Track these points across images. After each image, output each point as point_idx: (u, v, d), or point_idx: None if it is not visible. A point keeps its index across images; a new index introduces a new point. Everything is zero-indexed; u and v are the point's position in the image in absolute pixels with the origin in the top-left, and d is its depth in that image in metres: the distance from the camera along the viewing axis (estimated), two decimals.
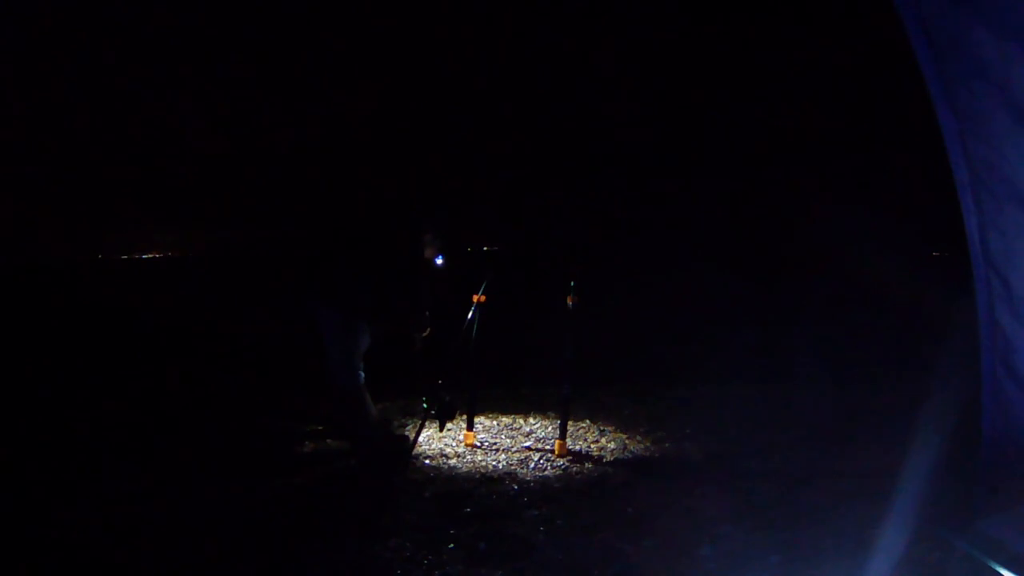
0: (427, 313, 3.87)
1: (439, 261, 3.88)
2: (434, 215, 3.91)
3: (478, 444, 4.00)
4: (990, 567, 2.00)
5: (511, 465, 3.65)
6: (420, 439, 3.94)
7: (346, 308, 3.59)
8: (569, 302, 3.97)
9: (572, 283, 3.97)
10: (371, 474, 3.55)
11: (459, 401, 4.02)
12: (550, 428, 4.29)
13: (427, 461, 3.72)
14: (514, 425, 4.41)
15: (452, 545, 2.69)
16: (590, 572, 2.47)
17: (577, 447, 3.95)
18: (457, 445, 3.98)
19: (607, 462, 3.70)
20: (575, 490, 3.30)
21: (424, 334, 3.92)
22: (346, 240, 3.92)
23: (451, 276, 3.98)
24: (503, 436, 4.18)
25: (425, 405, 3.95)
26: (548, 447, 3.94)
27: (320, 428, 4.28)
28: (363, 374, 3.68)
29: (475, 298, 4.07)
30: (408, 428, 4.26)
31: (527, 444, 4.03)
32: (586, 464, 3.68)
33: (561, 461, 3.71)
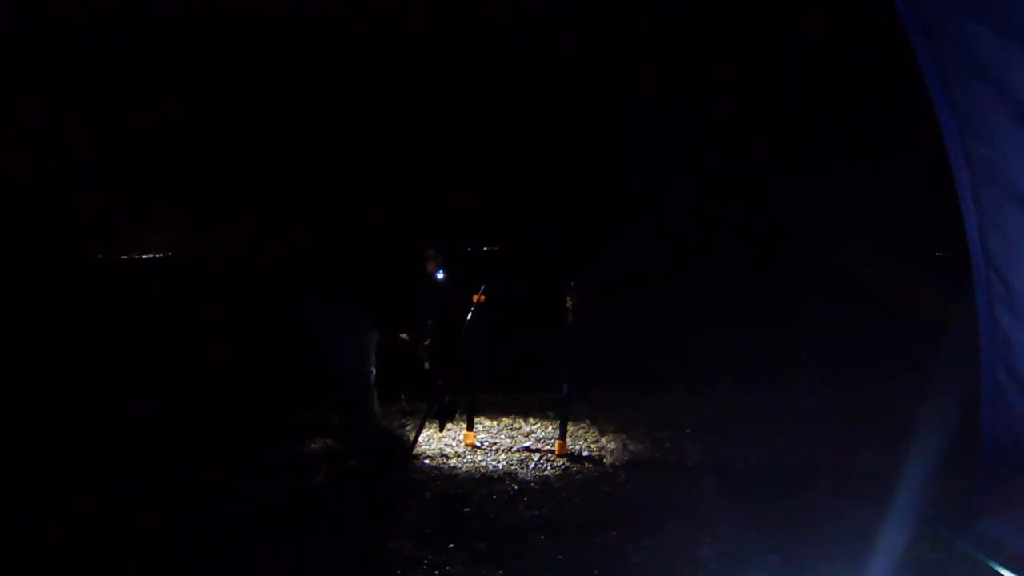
0: (429, 322, 3.89)
1: (440, 276, 3.90)
2: (436, 229, 3.95)
3: (478, 444, 3.99)
4: (990, 567, 2.00)
5: (511, 465, 3.65)
6: (420, 439, 3.94)
7: (350, 309, 3.60)
8: (569, 303, 3.97)
9: (572, 283, 3.98)
10: (371, 473, 3.55)
11: (459, 401, 4.03)
12: (550, 428, 4.29)
13: (427, 461, 3.72)
14: (514, 425, 4.41)
15: (452, 545, 2.69)
16: (590, 572, 2.47)
17: (577, 447, 3.95)
18: (457, 445, 3.98)
19: (607, 462, 3.70)
20: (575, 490, 3.30)
21: (425, 343, 3.93)
22: (350, 244, 3.94)
23: (452, 289, 4.00)
24: (503, 436, 4.18)
25: (405, 407, 4.26)
26: (548, 447, 3.94)
27: (320, 428, 4.28)
28: (375, 371, 3.70)
29: (475, 298, 4.08)
30: (408, 428, 4.26)
31: (527, 444, 4.03)
32: (586, 464, 3.68)
33: (561, 461, 3.71)
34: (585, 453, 3.86)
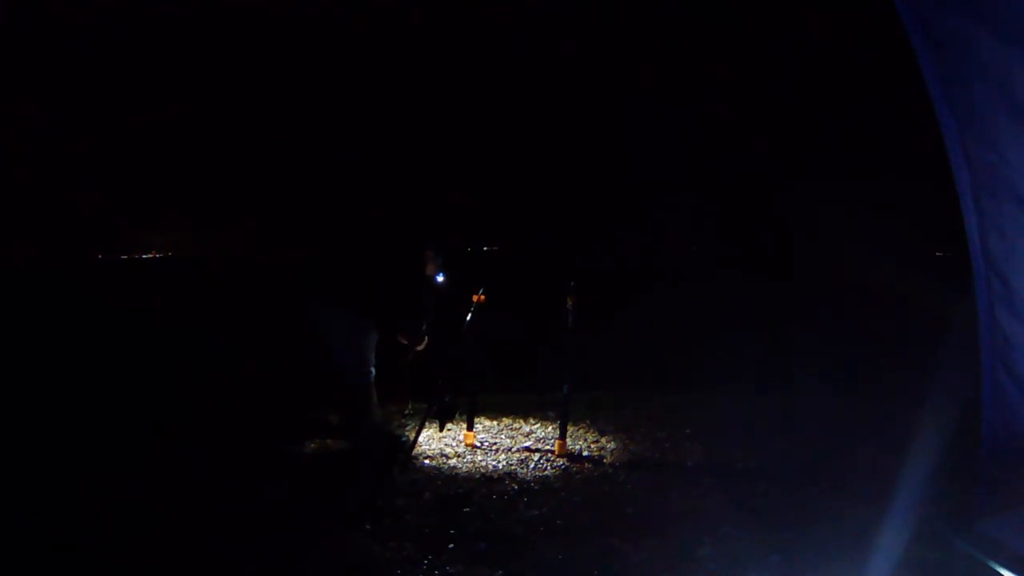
0: (425, 326, 3.89)
1: (439, 279, 3.90)
2: (435, 231, 3.95)
3: (478, 444, 3.99)
4: (990, 567, 2.00)
5: (511, 465, 3.65)
6: (420, 439, 3.94)
7: (350, 309, 3.60)
8: (569, 303, 3.97)
9: (572, 284, 3.98)
10: (371, 473, 3.55)
11: (459, 401, 4.02)
12: (550, 428, 4.29)
13: (427, 461, 3.72)
14: (514, 425, 4.41)
15: (452, 545, 2.69)
16: (590, 572, 2.47)
17: (577, 447, 3.95)
18: (457, 445, 3.98)
19: (607, 462, 3.70)
20: (575, 490, 3.30)
21: (420, 346, 3.92)
22: (350, 244, 3.94)
23: (451, 291, 4.01)
24: (503, 436, 4.18)
25: (410, 411, 4.26)
26: (548, 447, 3.94)
27: (320, 428, 4.28)
28: (374, 371, 3.70)
29: (475, 298, 4.08)
30: (408, 428, 4.26)
31: (527, 444, 4.03)
32: (586, 464, 3.68)
33: (561, 461, 3.71)
34: (585, 453, 3.86)
